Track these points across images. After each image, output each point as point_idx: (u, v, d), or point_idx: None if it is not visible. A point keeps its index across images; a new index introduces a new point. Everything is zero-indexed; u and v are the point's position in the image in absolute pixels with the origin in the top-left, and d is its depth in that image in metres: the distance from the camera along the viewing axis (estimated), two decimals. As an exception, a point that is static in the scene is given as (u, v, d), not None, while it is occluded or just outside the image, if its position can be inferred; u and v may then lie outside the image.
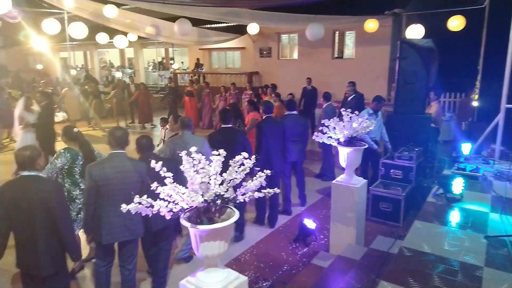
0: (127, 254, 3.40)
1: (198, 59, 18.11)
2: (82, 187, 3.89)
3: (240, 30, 14.60)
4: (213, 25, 14.89)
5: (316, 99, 10.63)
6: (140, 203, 2.22)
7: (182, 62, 21.64)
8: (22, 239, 2.82)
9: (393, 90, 11.35)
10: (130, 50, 21.92)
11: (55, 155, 3.91)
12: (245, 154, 2.39)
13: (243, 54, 16.97)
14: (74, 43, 13.82)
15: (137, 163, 3.32)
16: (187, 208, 2.30)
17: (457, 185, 4.08)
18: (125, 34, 12.37)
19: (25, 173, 2.80)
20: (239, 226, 4.87)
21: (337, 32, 14.01)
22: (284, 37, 15.41)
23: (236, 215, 2.31)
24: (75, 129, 4.03)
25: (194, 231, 2.25)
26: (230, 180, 2.37)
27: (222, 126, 4.87)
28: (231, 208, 2.44)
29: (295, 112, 5.79)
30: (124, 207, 2.22)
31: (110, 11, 8.93)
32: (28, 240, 2.80)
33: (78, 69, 22.13)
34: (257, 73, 16.01)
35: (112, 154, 3.28)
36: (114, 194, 3.21)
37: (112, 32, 12.20)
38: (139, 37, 13.49)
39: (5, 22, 9.73)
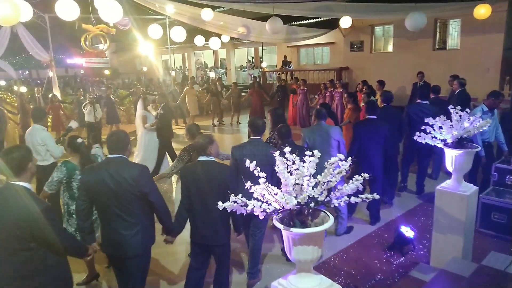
0: (253, 224, 3.81)
1: (285, 57, 18.13)
2: None
3: (330, 24, 14.23)
4: (302, 22, 14.76)
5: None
6: (235, 201, 2.25)
7: (261, 60, 21.74)
8: (199, 214, 3.20)
9: (507, 84, 9.95)
10: (222, 51, 22.93)
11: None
12: (340, 156, 2.26)
13: (332, 50, 16.51)
14: (174, 46, 14.91)
15: (267, 148, 3.72)
16: (280, 209, 2.27)
17: None
18: (219, 36, 12.95)
19: (202, 158, 3.20)
20: (390, 191, 5.19)
21: (439, 20, 12.77)
22: (378, 29, 14.58)
23: (330, 221, 2.20)
24: (79, 140, 3.80)
25: (286, 233, 2.20)
26: (325, 182, 2.27)
27: (367, 117, 5.05)
28: (325, 212, 2.33)
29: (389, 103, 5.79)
30: (220, 205, 2.28)
31: (207, 14, 9.41)
32: (206, 215, 3.17)
33: (177, 70, 23.94)
34: (347, 69, 15.45)
35: (252, 139, 3.82)
36: (248, 172, 3.50)
37: (207, 35, 12.89)
38: (231, 38, 14.00)
39: (117, 30, 10.91)
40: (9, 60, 20.16)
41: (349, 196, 2.26)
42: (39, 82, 21.66)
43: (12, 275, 2.38)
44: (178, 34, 10.11)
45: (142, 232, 2.91)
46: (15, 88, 16.03)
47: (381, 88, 9.13)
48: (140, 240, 2.91)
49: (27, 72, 31.36)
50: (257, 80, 14.84)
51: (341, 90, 10.11)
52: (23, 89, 14.49)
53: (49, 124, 10.64)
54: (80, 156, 3.73)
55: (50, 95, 10.98)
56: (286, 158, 2.26)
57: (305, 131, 4.70)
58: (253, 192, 2.24)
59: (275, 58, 20.93)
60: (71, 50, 22.61)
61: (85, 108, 9.53)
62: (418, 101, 5.87)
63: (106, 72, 21.27)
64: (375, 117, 5.01)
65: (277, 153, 2.32)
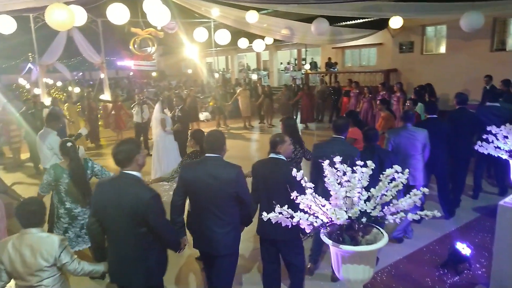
0: None
1: (329, 58, 17.75)
2: (67, 206, 3.75)
3: (377, 25, 13.70)
4: (348, 22, 14.35)
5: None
6: (281, 213, 2.14)
7: (311, 63, 21.33)
8: (265, 208, 3.20)
9: None
10: (265, 53, 22.92)
11: None
12: (397, 168, 2.08)
13: (379, 51, 15.90)
14: (218, 48, 15.08)
15: (348, 148, 3.75)
16: (327, 222, 2.12)
17: None
18: (262, 38, 12.91)
19: (272, 154, 3.28)
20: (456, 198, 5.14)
21: (498, 19, 11.86)
22: (430, 29, 13.83)
23: (384, 239, 2.02)
24: (69, 144, 3.74)
25: (335, 250, 2.06)
26: (378, 196, 2.09)
27: (428, 116, 5.02)
28: (378, 228, 2.16)
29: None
30: (265, 216, 2.18)
31: (251, 17, 9.39)
32: (270, 210, 3.14)
33: (220, 72, 24.29)
34: (395, 71, 14.80)
35: (333, 138, 3.86)
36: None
37: (251, 37, 12.89)
38: (275, 40, 13.91)
39: (165, 33, 11.20)
40: (64, 63, 21.44)
41: (405, 212, 2.07)
42: (91, 83, 22.87)
43: (125, 256, 2.60)
44: (223, 36, 10.18)
45: (234, 231, 3.00)
46: (70, 88, 17.04)
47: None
48: (232, 239, 2.99)
49: (81, 73, 33.27)
50: (301, 82, 14.65)
51: (399, 94, 9.49)
52: (77, 89, 15.36)
53: (100, 123, 11.16)
54: (70, 160, 3.70)
55: (101, 96, 11.51)
56: (336, 168, 2.12)
57: (391, 133, 4.71)
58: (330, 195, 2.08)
59: (319, 60, 20.57)
60: (121, 53, 23.69)
61: (133, 109, 9.84)
62: (488, 103, 5.67)
63: (154, 74, 22.00)
64: (435, 116, 4.89)
65: (326, 162, 2.18)
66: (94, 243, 2.80)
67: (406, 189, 2.13)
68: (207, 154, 2.97)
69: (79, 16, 7.27)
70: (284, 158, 3.27)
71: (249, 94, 12.92)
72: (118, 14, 7.64)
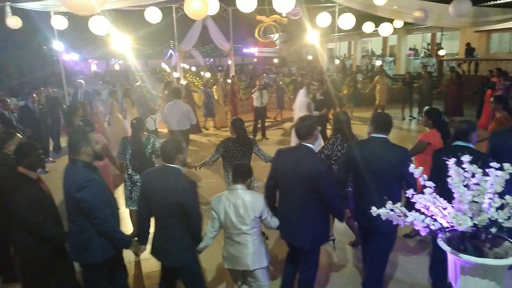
0: None
1: (468, 44, 15.54)
2: (129, 172, 4.34)
3: (539, 3, 11.42)
4: (497, 2, 12.32)
5: None
6: (392, 210, 2.02)
7: (441, 49, 19.01)
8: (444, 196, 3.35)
9: None
10: (393, 38, 21.34)
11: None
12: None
13: (538, 34, 13.29)
14: (340, 34, 14.62)
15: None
16: (447, 227, 1.92)
17: None
18: (391, 21, 12.00)
19: (459, 142, 3.13)
20: None
21: None
22: None
23: (518, 255, 1.74)
24: (134, 121, 4.33)
25: (453, 258, 1.85)
26: (516, 205, 1.80)
27: None
28: (510, 241, 1.87)
29: None
30: (374, 211, 2.09)
31: (379, -1, 8.81)
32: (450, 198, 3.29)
33: (341, 58, 23.64)
34: (558, 58, 12.21)
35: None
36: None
37: (377, 21, 12.11)
38: (405, 23, 12.79)
39: (288, 20, 11.35)
40: (199, 49, 23.61)
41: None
42: (220, 68, 24.76)
43: (298, 216, 2.97)
44: (347, 21, 9.81)
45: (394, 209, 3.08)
46: (202, 73, 18.78)
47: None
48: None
49: (212, 59, 36.21)
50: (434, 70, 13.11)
51: (509, 82, 7.83)
52: (207, 74, 16.84)
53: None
54: (132, 134, 4.32)
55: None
56: (464, 168, 1.88)
57: None
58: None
59: (456, 45, 18.25)
60: (247, 40, 24.95)
61: (254, 94, 10.35)
62: None
63: (275, 60, 22.62)
64: None
65: (451, 161, 1.96)
66: (268, 201, 3.10)
67: None
68: (373, 135, 3.08)
69: (212, 5, 7.88)
70: (473, 147, 3.07)
71: (387, 82, 12.03)
72: (246, 2, 8.02)
